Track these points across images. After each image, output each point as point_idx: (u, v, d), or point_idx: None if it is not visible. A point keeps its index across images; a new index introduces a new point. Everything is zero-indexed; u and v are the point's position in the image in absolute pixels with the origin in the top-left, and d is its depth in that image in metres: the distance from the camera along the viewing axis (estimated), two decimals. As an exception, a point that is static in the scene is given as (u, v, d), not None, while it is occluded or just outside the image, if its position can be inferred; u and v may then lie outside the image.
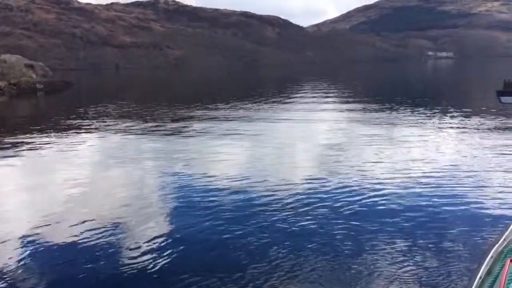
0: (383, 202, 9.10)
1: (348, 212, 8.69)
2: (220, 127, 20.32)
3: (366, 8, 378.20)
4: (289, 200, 9.39)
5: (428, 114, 22.40)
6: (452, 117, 21.51)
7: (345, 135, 17.85)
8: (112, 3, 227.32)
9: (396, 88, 48.34)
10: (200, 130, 19.93)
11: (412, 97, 33.14)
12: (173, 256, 7.11)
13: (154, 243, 7.57)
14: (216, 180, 11.22)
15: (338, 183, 10.52)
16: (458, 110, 23.69)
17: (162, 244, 7.54)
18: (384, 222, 8.06)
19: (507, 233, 4.08)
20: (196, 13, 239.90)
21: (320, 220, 8.24)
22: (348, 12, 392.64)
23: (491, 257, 3.75)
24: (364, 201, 9.26)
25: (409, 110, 24.39)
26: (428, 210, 8.66)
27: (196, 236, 7.87)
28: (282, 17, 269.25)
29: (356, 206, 8.96)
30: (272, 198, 9.44)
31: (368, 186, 10.26)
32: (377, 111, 24.22)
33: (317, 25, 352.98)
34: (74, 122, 23.35)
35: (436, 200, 9.13)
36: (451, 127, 18.49)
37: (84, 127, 21.51)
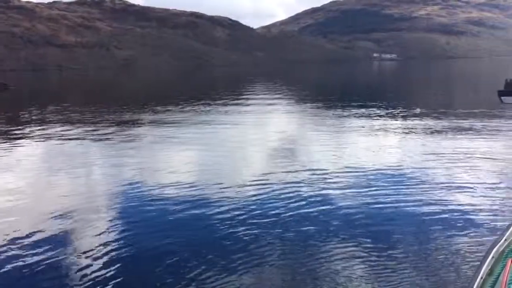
0: (329, 203, 9.15)
1: (299, 214, 8.71)
2: (168, 131, 19.98)
3: (314, 10, 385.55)
4: (240, 205, 9.27)
5: (374, 114, 23.02)
6: (396, 117, 22.20)
7: (295, 136, 18.02)
8: (54, 2, 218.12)
9: (344, 89, 49.57)
10: (148, 134, 19.53)
11: (359, 97, 34.07)
12: (119, 265, 6.86)
13: (99, 252, 7.29)
14: (164, 186, 10.97)
15: (289, 186, 10.51)
16: (404, 110, 24.57)
17: (108, 254, 7.26)
18: (328, 223, 8.10)
19: (508, 233, 4.07)
20: (144, 13, 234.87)
21: (270, 224, 8.15)
22: (297, 14, 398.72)
23: (492, 257, 3.72)
24: (312, 203, 9.28)
25: (355, 110, 25.03)
26: (375, 210, 8.80)
27: (144, 245, 7.63)
28: (232, 18, 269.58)
29: (306, 209, 8.95)
30: (223, 203, 9.23)
31: (318, 187, 10.37)
32: (326, 112, 24.69)
33: (266, 27, 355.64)
34: (4, 128, 22.14)
35: (381, 200, 9.20)
36: (397, 127, 19.00)
37: (16, 133, 20.45)
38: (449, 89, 47.08)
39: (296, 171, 11.54)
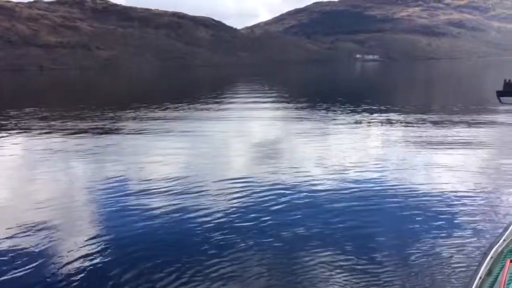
0: (311, 206, 8.98)
1: (284, 210, 8.64)
2: (152, 128, 19.65)
3: (297, 11, 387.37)
4: (221, 209, 9.07)
5: (358, 116, 22.88)
6: (381, 118, 22.07)
7: (278, 136, 17.87)
8: (34, 1, 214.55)
9: (328, 89, 49.63)
10: (131, 132, 19.14)
11: (343, 98, 34.08)
12: (104, 260, 6.80)
13: (83, 247, 7.22)
14: (150, 182, 10.83)
15: (269, 189, 10.32)
16: (387, 112, 24.55)
17: (92, 249, 7.19)
18: (310, 226, 7.92)
19: (507, 233, 4.08)
20: (126, 13, 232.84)
21: (251, 227, 7.99)
22: (281, 15, 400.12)
23: (491, 257, 3.74)
24: (298, 199, 9.24)
25: (340, 111, 24.91)
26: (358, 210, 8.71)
27: (128, 239, 7.57)
28: (216, 18, 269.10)
29: (291, 205, 8.88)
30: (204, 207, 8.99)
31: (301, 184, 10.32)
32: (310, 113, 24.51)
33: (250, 27, 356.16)
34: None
35: (364, 202, 9.05)
36: (381, 129, 18.89)
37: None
38: (432, 91, 47.61)
39: (278, 173, 11.35)
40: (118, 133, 19.15)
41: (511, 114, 22.00)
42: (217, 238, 7.52)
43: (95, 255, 7.00)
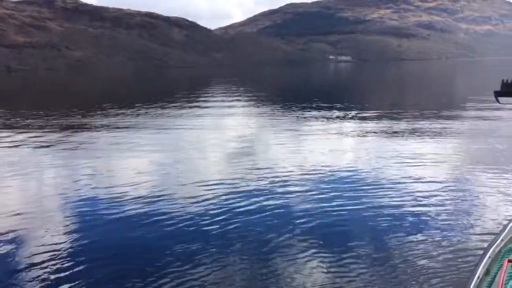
0: (286, 207, 8.82)
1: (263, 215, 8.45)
2: (120, 136, 19.16)
3: (271, 12, 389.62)
4: (195, 204, 8.96)
5: (332, 116, 22.88)
6: (354, 118, 22.12)
7: (252, 137, 17.66)
8: (1, 0, 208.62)
9: (302, 90, 49.82)
10: (98, 140, 18.63)
11: (317, 98, 34.25)
12: (75, 269, 6.50)
13: (54, 256, 6.90)
14: (120, 186, 10.47)
15: (246, 184, 10.21)
16: (360, 112, 24.77)
17: (63, 257, 6.89)
18: (287, 227, 7.78)
19: (504, 233, 4.07)
20: (97, 13, 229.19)
21: (225, 229, 7.83)
22: (254, 16, 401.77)
23: (489, 257, 3.75)
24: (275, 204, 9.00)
25: (313, 111, 24.91)
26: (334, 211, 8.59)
27: (98, 244, 7.37)
28: (189, 19, 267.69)
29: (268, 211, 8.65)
30: (178, 211, 8.71)
31: (275, 185, 10.16)
32: (284, 114, 24.39)
33: (224, 28, 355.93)
34: None
35: (339, 203, 8.93)
36: (354, 129, 18.87)
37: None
38: (403, 91, 48.41)
39: (251, 174, 11.20)
40: (88, 136, 18.63)
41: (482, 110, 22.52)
42: (189, 241, 7.31)
43: (62, 261, 6.73)
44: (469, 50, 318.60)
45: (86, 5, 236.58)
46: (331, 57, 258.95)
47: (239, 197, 9.41)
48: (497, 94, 4.73)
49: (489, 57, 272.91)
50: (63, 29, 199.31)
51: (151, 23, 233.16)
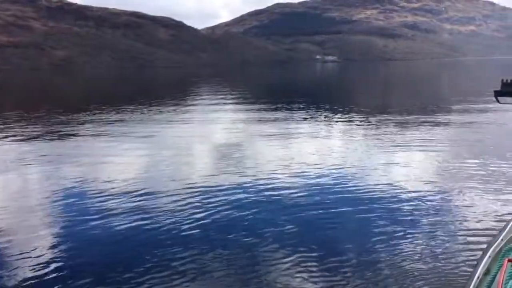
0: (274, 209, 8.78)
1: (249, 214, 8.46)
2: (108, 132, 18.89)
3: (258, 12, 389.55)
4: (189, 205, 8.92)
5: (320, 116, 22.86)
6: (342, 119, 22.09)
7: (239, 137, 17.52)
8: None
9: (289, 90, 49.81)
10: (82, 143, 18.29)
11: (304, 98, 34.23)
12: (65, 264, 6.59)
13: (43, 252, 6.95)
14: (111, 187, 10.37)
15: (234, 184, 10.22)
16: (348, 112, 24.71)
17: (52, 253, 6.94)
18: (274, 230, 7.73)
19: (504, 233, 4.04)
20: (82, 12, 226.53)
21: (217, 223, 7.92)
22: (241, 16, 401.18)
23: (489, 256, 3.74)
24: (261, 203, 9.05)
25: (301, 112, 24.80)
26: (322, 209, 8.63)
27: (90, 244, 7.38)
28: (176, 18, 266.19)
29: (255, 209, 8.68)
30: (165, 212, 8.66)
31: (263, 186, 10.17)
32: (272, 114, 24.23)
33: (211, 28, 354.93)
34: None
35: (327, 205, 8.89)
36: (342, 129, 18.89)
37: None
38: (389, 91, 48.73)
39: (238, 175, 11.13)
40: (74, 138, 18.26)
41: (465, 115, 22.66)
42: (171, 244, 7.22)
43: (50, 262, 6.67)
44: (453, 50, 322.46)
45: (70, 4, 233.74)
46: (317, 57, 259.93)
47: (224, 200, 9.28)
48: (497, 93, 4.72)
49: (473, 57, 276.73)
50: (47, 28, 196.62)
51: (137, 23, 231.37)
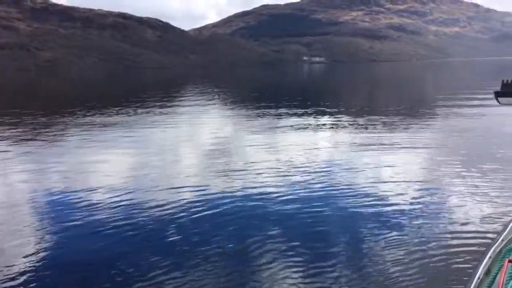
0: (264, 206, 8.87)
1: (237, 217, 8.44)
2: (97, 135, 18.78)
3: (245, 14, 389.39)
4: (174, 208, 8.83)
5: (307, 116, 22.85)
6: (329, 118, 22.19)
7: (228, 140, 17.31)
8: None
9: (277, 91, 49.76)
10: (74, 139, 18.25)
11: (293, 99, 34.40)
12: (48, 275, 6.39)
13: (26, 263, 6.73)
14: (95, 192, 10.22)
15: (221, 190, 10.06)
16: (336, 111, 24.98)
17: (35, 264, 6.71)
18: (266, 227, 7.83)
19: (505, 233, 4.07)
20: (68, 13, 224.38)
21: (206, 229, 7.78)
22: (228, 17, 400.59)
23: (490, 257, 3.74)
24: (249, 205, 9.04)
25: (289, 112, 24.90)
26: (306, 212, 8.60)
27: (74, 254, 7.14)
28: (163, 19, 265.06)
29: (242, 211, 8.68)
30: (153, 213, 8.64)
31: (250, 188, 10.14)
32: (260, 115, 24.22)
33: (198, 29, 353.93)
34: None
35: (317, 203, 8.99)
36: (329, 128, 18.97)
37: None
38: (376, 92, 49.17)
39: (225, 177, 11.08)
40: (57, 139, 18.18)
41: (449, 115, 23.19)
42: (160, 245, 7.26)
43: (32, 268, 6.60)
44: (438, 52, 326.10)
45: (55, 5, 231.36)
46: (305, 58, 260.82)
47: (209, 202, 9.20)
48: (497, 94, 4.70)
49: (458, 58, 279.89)
50: (32, 29, 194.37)
51: (124, 24, 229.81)
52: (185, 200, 9.30)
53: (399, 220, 7.96)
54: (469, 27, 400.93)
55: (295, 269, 6.27)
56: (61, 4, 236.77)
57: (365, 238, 7.23)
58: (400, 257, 6.52)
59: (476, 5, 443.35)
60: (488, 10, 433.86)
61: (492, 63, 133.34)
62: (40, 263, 6.74)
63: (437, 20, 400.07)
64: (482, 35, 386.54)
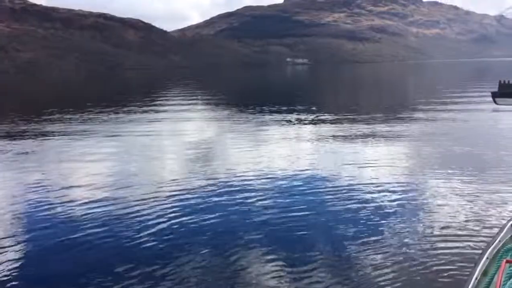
0: (247, 212, 8.61)
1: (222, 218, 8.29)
2: (76, 135, 18.29)
3: (228, 15, 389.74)
4: (151, 215, 8.53)
5: (291, 120, 22.55)
6: (312, 122, 21.94)
7: (210, 139, 17.21)
8: None
9: (261, 92, 49.87)
10: (47, 147, 17.70)
11: (276, 101, 34.24)
12: (29, 273, 6.32)
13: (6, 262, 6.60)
14: (74, 190, 10.05)
15: (203, 196, 9.71)
16: (319, 115, 24.81)
17: (16, 264, 6.59)
18: (248, 232, 7.62)
19: (502, 234, 4.09)
20: (47, 13, 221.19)
21: (184, 235, 7.58)
22: (211, 18, 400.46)
23: (487, 258, 3.76)
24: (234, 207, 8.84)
25: (273, 115, 24.47)
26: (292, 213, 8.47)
27: (50, 250, 7.07)
28: (145, 20, 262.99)
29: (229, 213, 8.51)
30: (136, 217, 8.38)
31: (235, 187, 10.05)
32: (243, 117, 23.86)
33: (181, 30, 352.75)
34: None
35: (299, 207, 8.73)
36: (312, 132, 18.73)
37: None
38: (358, 93, 49.47)
39: (209, 181, 10.74)
40: (40, 140, 17.70)
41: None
42: (148, 245, 7.12)
43: (11, 271, 6.37)
44: (419, 53, 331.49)
45: (35, 5, 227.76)
46: (288, 59, 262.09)
47: (192, 203, 9.05)
48: (494, 95, 4.65)
49: (437, 60, 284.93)
50: (10, 29, 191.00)
51: (105, 25, 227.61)
52: (164, 206, 8.97)
53: (390, 223, 7.77)
54: (449, 29, 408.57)
55: (274, 274, 6.10)
56: (41, 5, 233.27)
57: (351, 243, 7.01)
58: (396, 260, 6.37)
59: (456, 8, 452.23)
60: (467, 13, 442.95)
61: (473, 64, 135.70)
62: (20, 267, 6.52)
63: (417, 22, 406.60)
64: (462, 36, 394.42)
